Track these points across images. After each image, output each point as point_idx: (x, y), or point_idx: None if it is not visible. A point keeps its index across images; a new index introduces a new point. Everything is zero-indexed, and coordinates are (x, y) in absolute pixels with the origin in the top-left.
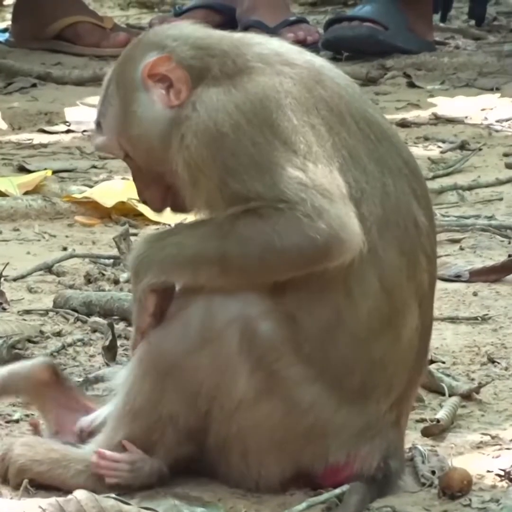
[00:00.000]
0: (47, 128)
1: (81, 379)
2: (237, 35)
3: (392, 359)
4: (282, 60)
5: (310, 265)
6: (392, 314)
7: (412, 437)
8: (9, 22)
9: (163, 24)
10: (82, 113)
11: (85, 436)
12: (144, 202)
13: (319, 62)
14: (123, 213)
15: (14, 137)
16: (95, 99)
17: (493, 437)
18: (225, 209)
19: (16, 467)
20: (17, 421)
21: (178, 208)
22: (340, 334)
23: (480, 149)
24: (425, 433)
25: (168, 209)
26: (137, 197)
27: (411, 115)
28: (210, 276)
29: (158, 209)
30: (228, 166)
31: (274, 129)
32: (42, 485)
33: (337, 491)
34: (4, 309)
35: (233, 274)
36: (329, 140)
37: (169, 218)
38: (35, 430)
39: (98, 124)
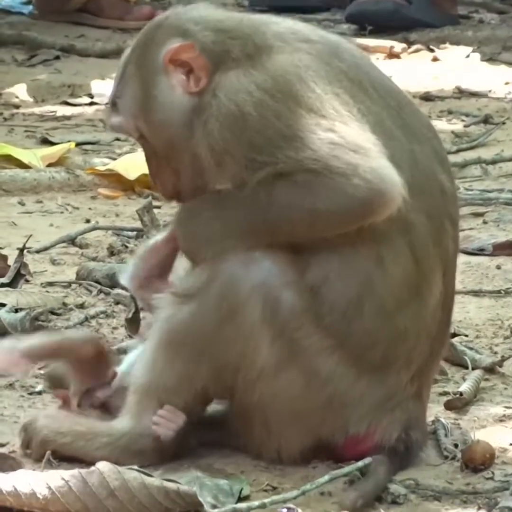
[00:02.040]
0: (71, 101)
1: None
2: (255, 16)
3: (415, 329)
4: (298, 37)
5: (357, 220)
6: (420, 283)
7: (435, 410)
8: None
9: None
10: (106, 85)
11: (97, 403)
12: (155, 184)
13: (333, 37)
14: (146, 185)
15: (37, 110)
16: None
17: None
18: (254, 178)
19: (39, 438)
20: (39, 393)
21: (185, 198)
22: (367, 305)
23: (503, 123)
24: (448, 406)
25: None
26: None
27: (434, 89)
28: (260, 243)
29: (168, 195)
30: (254, 144)
31: (298, 100)
32: (65, 457)
33: (360, 464)
34: (27, 281)
35: (283, 239)
36: (354, 106)
37: None
38: (64, 403)
39: (114, 103)
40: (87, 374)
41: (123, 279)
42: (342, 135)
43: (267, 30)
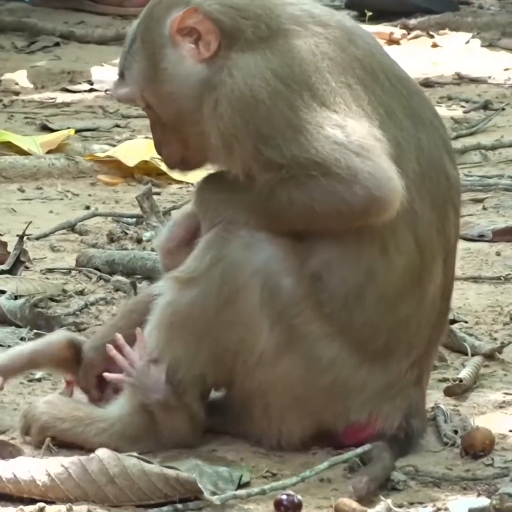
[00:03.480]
0: (70, 87)
1: None
2: None
3: (416, 317)
4: (315, 21)
5: (353, 223)
6: (422, 271)
7: (435, 397)
8: None
9: None
10: (106, 72)
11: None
12: (160, 154)
13: (349, 22)
14: (146, 172)
15: (37, 96)
16: (118, 59)
17: None
18: (261, 175)
19: (39, 424)
20: (39, 379)
21: (191, 166)
22: (369, 292)
23: (503, 109)
24: (448, 392)
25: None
26: (159, 157)
27: (434, 74)
28: (259, 223)
29: (172, 166)
30: (262, 134)
31: (313, 92)
32: (64, 444)
33: (359, 450)
34: (27, 268)
35: (283, 230)
36: (366, 98)
37: (191, 177)
38: (68, 389)
39: (122, 74)
40: (75, 372)
41: (156, 243)
42: (348, 133)
43: (282, 12)
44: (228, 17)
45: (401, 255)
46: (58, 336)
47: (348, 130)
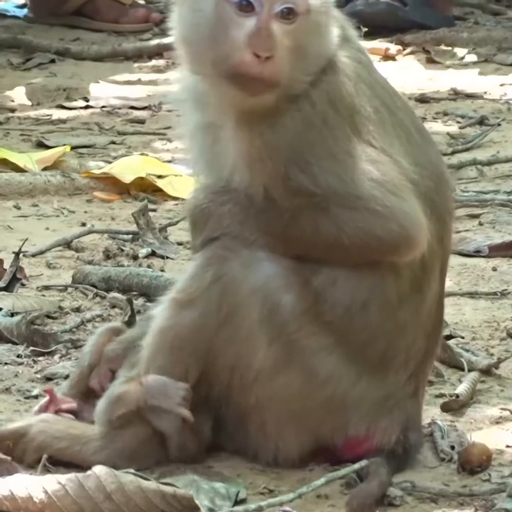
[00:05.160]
0: (66, 104)
1: None
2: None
3: (413, 325)
4: (353, 44)
5: (377, 258)
6: (422, 278)
7: (432, 412)
8: None
9: None
10: (101, 89)
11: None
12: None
13: (367, 57)
14: (141, 188)
15: (33, 113)
16: (114, 75)
17: None
18: (286, 199)
19: (35, 444)
20: (36, 397)
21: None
22: (374, 302)
23: (499, 124)
24: (445, 408)
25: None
26: (156, 173)
27: (430, 90)
28: (269, 244)
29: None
30: (298, 158)
31: (355, 125)
32: (60, 462)
33: (356, 466)
34: (23, 285)
35: (292, 255)
36: (390, 121)
37: (188, 193)
38: (50, 397)
39: None
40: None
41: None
42: (383, 170)
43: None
44: None
45: (406, 266)
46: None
47: (383, 167)
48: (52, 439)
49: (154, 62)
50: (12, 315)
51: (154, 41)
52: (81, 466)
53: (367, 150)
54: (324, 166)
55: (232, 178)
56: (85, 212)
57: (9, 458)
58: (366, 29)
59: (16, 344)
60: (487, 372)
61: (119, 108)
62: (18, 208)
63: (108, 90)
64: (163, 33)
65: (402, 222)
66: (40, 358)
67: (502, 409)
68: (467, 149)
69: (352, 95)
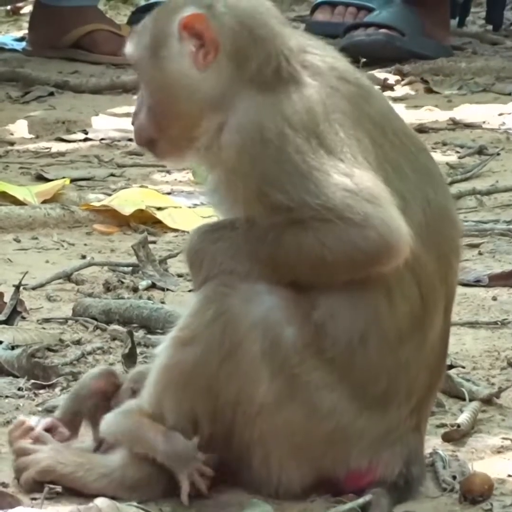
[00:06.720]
0: (65, 137)
1: None
2: (296, 36)
3: (415, 362)
4: (335, 75)
5: (363, 270)
6: (423, 317)
7: (433, 442)
8: (26, 31)
9: None
10: (100, 121)
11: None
12: (132, 124)
13: (367, 82)
14: (141, 221)
15: (32, 146)
16: (113, 107)
17: None
18: (266, 216)
19: (39, 467)
20: None
21: (156, 152)
22: (372, 338)
23: (498, 154)
24: (446, 438)
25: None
26: (155, 205)
27: (429, 120)
28: (262, 273)
29: (139, 142)
30: (270, 176)
31: (320, 140)
32: (61, 492)
33: (361, 500)
34: (23, 318)
35: (285, 280)
36: (373, 152)
37: (187, 225)
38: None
39: (134, 36)
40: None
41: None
42: (357, 182)
43: (304, 58)
44: (239, 39)
45: (405, 302)
46: (96, 370)
47: (356, 179)
48: (57, 464)
49: None
50: (12, 348)
51: None
52: (82, 493)
53: (338, 164)
54: (294, 182)
55: (221, 210)
56: (85, 244)
57: (11, 491)
58: (365, 59)
59: (17, 377)
60: (488, 401)
61: (118, 141)
62: (18, 241)
63: (107, 122)
64: None
65: (379, 229)
66: (41, 391)
67: (504, 438)
68: (466, 179)
69: (313, 119)
